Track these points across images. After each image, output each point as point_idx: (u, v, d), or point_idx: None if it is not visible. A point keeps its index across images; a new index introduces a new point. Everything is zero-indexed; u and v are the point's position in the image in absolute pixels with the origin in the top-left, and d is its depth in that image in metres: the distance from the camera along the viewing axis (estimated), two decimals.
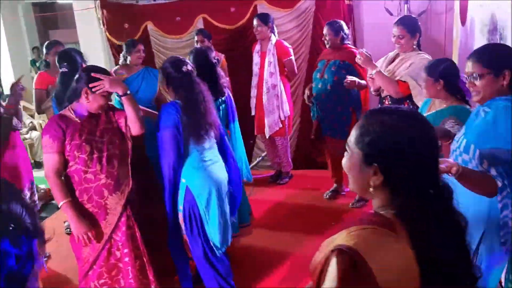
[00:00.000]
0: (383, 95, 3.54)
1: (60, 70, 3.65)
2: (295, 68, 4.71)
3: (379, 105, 3.58)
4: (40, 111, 4.16)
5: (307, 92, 4.24)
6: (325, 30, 4.14)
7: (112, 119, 2.63)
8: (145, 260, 2.62)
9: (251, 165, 5.47)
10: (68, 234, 4.21)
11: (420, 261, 1.03)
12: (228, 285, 2.84)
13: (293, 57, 4.65)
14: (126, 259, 2.59)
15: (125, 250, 2.59)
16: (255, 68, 4.67)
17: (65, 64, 3.57)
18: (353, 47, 4.25)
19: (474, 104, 2.18)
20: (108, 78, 2.50)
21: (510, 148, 1.81)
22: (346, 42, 4.15)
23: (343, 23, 4.18)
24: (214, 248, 2.78)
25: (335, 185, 4.45)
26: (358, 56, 3.38)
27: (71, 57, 3.62)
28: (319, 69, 4.22)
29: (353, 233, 1.06)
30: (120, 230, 2.58)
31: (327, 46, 4.16)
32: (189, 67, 2.80)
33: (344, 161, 1.19)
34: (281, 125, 4.68)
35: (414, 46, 3.40)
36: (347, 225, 1.11)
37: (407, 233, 1.05)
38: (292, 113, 4.86)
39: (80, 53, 3.78)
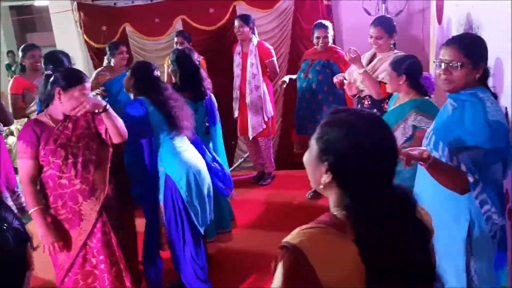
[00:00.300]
0: (362, 95, 3.56)
1: (45, 72, 3.56)
2: (277, 68, 4.72)
3: (359, 105, 3.60)
4: (16, 116, 4.07)
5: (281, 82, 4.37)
6: (317, 33, 4.13)
7: (91, 124, 2.58)
8: (121, 266, 2.57)
9: (233, 166, 5.47)
10: None
11: (365, 263, 1.03)
12: (205, 275, 2.92)
13: (275, 58, 4.66)
14: (102, 266, 2.54)
15: (101, 257, 2.54)
16: (237, 70, 4.65)
17: (51, 66, 3.46)
18: (338, 47, 4.27)
19: (441, 97, 2.17)
20: (87, 99, 2.46)
21: (478, 145, 1.81)
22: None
23: (329, 23, 4.22)
24: (197, 226, 2.87)
25: None
26: (347, 53, 3.36)
27: (57, 59, 3.54)
28: (303, 69, 4.24)
29: (301, 232, 1.07)
30: (95, 237, 2.53)
31: (318, 47, 4.16)
32: (157, 72, 2.95)
33: (305, 155, 1.20)
34: (264, 126, 4.68)
35: (391, 46, 3.43)
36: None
37: (354, 235, 1.05)
38: (274, 113, 4.86)
39: (67, 56, 3.69)
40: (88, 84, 2.52)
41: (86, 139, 2.55)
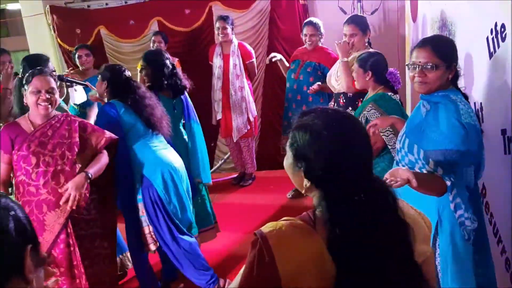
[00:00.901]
0: (335, 91, 3.58)
1: (18, 76, 3.46)
2: (256, 70, 4.72)
3: (334, 104, 3.61)
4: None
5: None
6: (305, 30, 4.08)
7: (72, 134, 2.50)
8: (82, 282, 2.48)
9: (214, 168, 5.43)
10: None
11: (334, 261, 1.04)
12: (204, 264, 2.94)
13: (254, 60, 4.65)
14: (62, 278, 2.45)
15: (62, 269, 2.44)
16: (218, 71, 4.60)
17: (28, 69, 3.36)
18: (329, 48, 4.14)
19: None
20: (72, 185, 2.40)
21: (454, 148, 1.80)
22: (321, 41, 4.15)
23: (320, 21, 4.14)
24: (180, 226, 2.88)
25: None
26: (338, 43, 3.38)
27: (36, 62, 3.27)
28: (293, 69, 4.17)
29: (275, 222, 1.10)
30: (58, 247, 2.43)
31: (308, 46, 4.10)
32: (128, 73, 2.93)
33: (284, 160, 1.19)
34: (249, 127, 4.67)
35: (366, 44, 3.45)
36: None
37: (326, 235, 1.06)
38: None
39: (46, 59, 3.46)
40: (47, 77, 2.45)
41: (63, 148, 2.47)
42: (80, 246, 2.50)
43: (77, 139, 2.51)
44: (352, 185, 1.07)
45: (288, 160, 1.16)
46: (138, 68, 4.58)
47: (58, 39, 5.37)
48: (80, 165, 2.50)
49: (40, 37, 5.50)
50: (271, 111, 5.27)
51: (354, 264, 1.03)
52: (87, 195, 2.49)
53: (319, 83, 3.90)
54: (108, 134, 2.61)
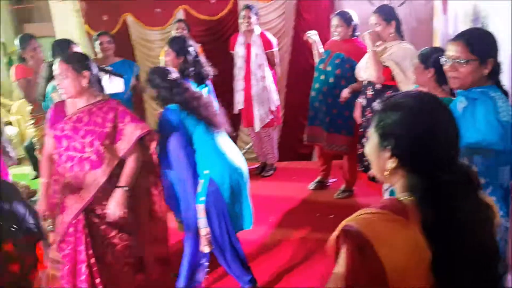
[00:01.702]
0: (364, 82, 3.56)
1: (48, 60, 3.52)
2: (276, 60, 4.69)
3: (362, 96, 3.59)
4: (31, 100, 4.01)
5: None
6: (335, 21, 3.98)
7: (106, 123, 2.53)
8: (83, 268, 2.56)
9: None
10: (50, 231, 4.14)
11: (432, 249, 1.03)
12: (249, 270, 2.93)
13: (276, 49, 4.62)
14: (67, 259, 2.59)
15: (67, 251, 2.57)
16: (240, 61, 4.60)
17: (57, 54, 3.40)
18: (362, 41, 3.98)
19: None
20: (114, 205, 2.52)
21: (490, 146, 1.78)
22: (356, 34, 4.00)
23: (353, 13, 4.02)
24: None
25: (320, 176, 4.46)
26: (367, 32, 3.36)
27: (63, 50, 3.37)
28: (323, 59, 4.07)
29: (360, 216, 1.07)
30: (73, 229, 2.55)
31: (337, 37, 4.01)
32: (174, 75, 2.83)
33: (366, 146, 1.20)
34: (271, 116, 4.66)
35: (392, 34, 3.41)
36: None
37: (420, 220, 1.04)
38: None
39: (73, 43, 3.60)
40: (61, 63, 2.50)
41: (93, 136, 2.51)
42: (93, 234, 2.57)
43: (109, 130, 2.52)
44: (441, 164, 1.07)
45: (371, 142, 1.16)
46: (161, 57, 4.64)
47: (86, 25, 5.42)
48: (108, 155, 2.53)
49: (67, 23, 5.55)
50: (295, 103, 5.25)
51: (452, 246, 1.03)
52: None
53: (349, 89, 3.85)
54: (145, 127, 2.60)
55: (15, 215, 0.76)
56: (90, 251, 2.56)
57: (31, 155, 5.17)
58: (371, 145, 1.17)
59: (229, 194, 2.75)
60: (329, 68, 4.01)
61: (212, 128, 2.76)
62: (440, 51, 2.59)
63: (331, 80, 3.99)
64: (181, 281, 2.85)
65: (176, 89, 2.75)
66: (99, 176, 2.52)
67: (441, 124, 1.10)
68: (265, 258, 3.33)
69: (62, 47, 3.45)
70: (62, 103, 2.61)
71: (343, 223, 1.08)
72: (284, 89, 5.33)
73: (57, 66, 2.48)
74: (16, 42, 4.10)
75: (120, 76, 3.58)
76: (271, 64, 4.66)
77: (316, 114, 4.16)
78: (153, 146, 2.71)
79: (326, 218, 3.88)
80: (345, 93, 3.87)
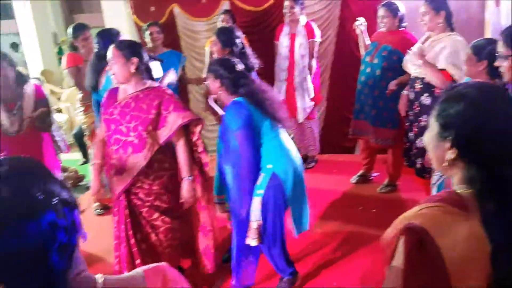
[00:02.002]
0: (412, 76, 3.48)
1: (95, 51, 3.63)
2: (315, 50, 4.58)
3: (410, 89, 3.51)
4: (81, 86, 4.15)
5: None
6: (381, 12, 3.91)
7: (151, 110, 2.61)
8: (121, 247, 2.71)
9: None
10: (98, 215, 4.29)
11: (493, 243, 1.01)
12: (291, 264, 2.94)
13: (317, 40, 4.56)
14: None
15: (121, 227, 2.72)
16: (284, 51, 4.58)
17: (102, 44, 3.51)
18: (410, 33, 3.92)
19: None
20: (186, 196, 2.70)
21: None
22: (403, 25, 3.92)
23: (400, 3, 3.92)
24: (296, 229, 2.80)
25: (362, 170, 4.41)
26: (412, 49, 3.30)
27: (109, 39, 3.43)
28: (370, 52, 4.00)
29: (420, 211, 1.06)
30: (116, 209, 2.74)
31: (383, 28, 3.95)
32: (240, 66, 2.76)
33: (425, 135, 1.19)
34: (312, 108, 4.65)
35: (440, 25, 3.31)
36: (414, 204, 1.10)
37: (480, 213, 1.03)
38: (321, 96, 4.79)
39: (119, 34, 3.70)
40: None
41: (138, 122, 2.60)
42: (136, 216, 2.71)
43: (153, 116, 2.60)
44: (502, 157, 1.05)
45: (431, 131, 1.15)
46: (206, 48, 4.69)
47: (134, 16, 5.54)
48: (149, 140, 2.62)
49: (116, 14, 5.69)
50: (338, 95, 5.19)
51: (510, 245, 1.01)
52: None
53: (396, 82, 3.78)
54: (188, 116, 2.65)
55: (52, 190, 0.83)
56: (130, 232, 2.68)
57: (80, 141, 5.36)
58: (431, 134, 1.16)
59: (292, 191, 2.69)
60: (375, 61, 3.93)
61: (277, 123, 2.69)
62: (493, 43, 2.50)
63: (377, 72, 3.91)
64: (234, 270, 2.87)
65: (242, 80, 2.69)
66: (140, 160, 2.62)
67: (503, 116, 1.07)
68: (305, 251, 3.33)
69: (105, 37, 3.56)
70: (115, 89, 2.72)
71: (401, 219, 1.07)
72: (328, 81, 5.28)
73: (110, 52, 2.60)
74: (69, 30, 4.22)
75: (160, 61, 3.64)
76: (310, 55, 4.58)
77: (362, 108, 4.11)
78: (197, 133, 2.75)
79: (369, 212, 3.85)
80: (392, 85, 3.80)
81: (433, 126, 1.15)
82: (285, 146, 2.72)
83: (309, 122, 4.73)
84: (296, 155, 2.78)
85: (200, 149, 2.80)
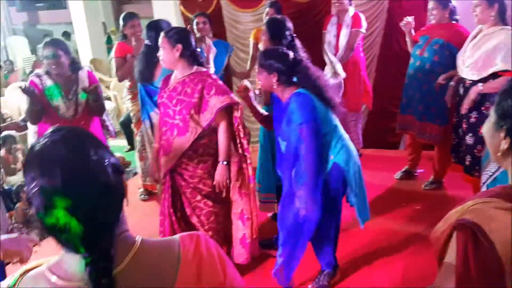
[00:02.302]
0: (461, 74, 3.39)
1: (145, 42, 3.70)
2: (355, 42, 4.37)
3: (460, 84, 3.40)
4: (121, 78, 4.26)
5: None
6: (430, 4, 3.79)
7: (195, 95, 2.69)
8: (166, 222, 2.91)
9: None
10: (142, 200, 4.41)
11: None
12: (335, 259, 2.94)
13: (361, 30, 4.36)
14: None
15: (165, 204, 2.93)
16: (333, 40, 4.44)
17: (151, 36, 3.56)
18: (462, 26, 3.78)
19: None
20: (218, 179, 2.79)
21: None
22: (454, 17, 3.79)
23: None
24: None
25: (407, 166, 4.32)
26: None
27: (158, 30, 3.37)
28: (420, 45, 3.87)
29: (473, 207, 1.05)
30: (164, 187, 2.93)
31: (433, 21, 3.83)
32: (291, 54, 2.64)
33: (484, 126, 1.19)
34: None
35: (492, 18, 3.18)
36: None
37: None
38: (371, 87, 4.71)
39: (169, 25, 3.72)
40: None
41: (182, 105, 2.72)
42: (180, 196, 2.90)
43: (196, 100, 2.69)
44: None
45: (489, 121, 1.16)
46: (251, 39, 4.69)
47: (181, 7, 5.61)
48: (192, 124, 2.71)
49: (164, 4, 5.78)
50: (384, 88, 5.09)
51: None
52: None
53: (446, 75, 3.65)
54: (227, 99, 2.70)
55: (103, 153, 0.91)
56: (171, 210, 2.87)
57: (126, 129, 5.51)
58: (488, 124, 1.16)
59: (353, 182, 2.63)
60: (426, 54, 3.81)
61: (335, 112, 2.61)
62: None
63: (427, 66, 3.80)
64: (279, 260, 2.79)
65: (298, 69, 2.58)
66: (184, 142, 2.75)
67: None
68: (347, 245, 3.29)
69: (155, 29, 3.61)
70: (170, 75, 2.86)
71: (453, 214, 1.06)
72: (373, 73, 5.18)
73: (160, 38, 2.74)
74: (121, 19, 4.32)
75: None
76: (349, 44, 4.36)
77: (409, 102, 4.01)
78: (237, 118, 2.80)
79: (412, 209, 3.77)
80: (442, 79, 3.68)
81: (491, 116, 1.15)
82: (344, 136, 2.66)
83: (353, 115, 4.65)
84: (353, 146, 2.72)
85: (241, 134, 2.84)
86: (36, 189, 0.84)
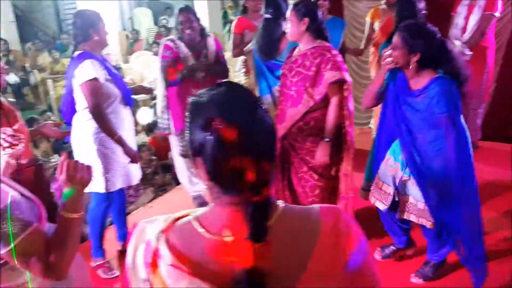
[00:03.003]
0: None
1: (265, 16, 3.75)
2: (487, 27, 4.03)
3: None
4: (235, 54, 4.38)
5: None
6: None
7: (311, 68, 2.76)
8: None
9: None
10: None
11: None
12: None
13: (495, 14, 4.02)
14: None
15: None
16: (462, 22, 4.17)
17: (271, 10, 3.59)
18: None
19: None
20: (319, 155, 2.82)
21: None
22: None
23: None
24: None
25: None
26: None
27: (277, 4, 3.57)
28: None
29: None
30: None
31: None
32: (438, 33, 2.38)
33: None
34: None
35: None
36: None
37: None
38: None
39: (285, 0, 3.74)
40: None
41: (299, 77, 2.79)
42: (289, 164, 2.95)
43: (312, 74, 2.74)
44: None
45: None
46: (367, 19, 4.55)
47: None
48: (305, 96, 2.76)
49: None
50: (510, 78, 4.68)
51: None
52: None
53: None
54: (338, 75, 2.69)
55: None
56: (279, 176, 2.97)
57: None
58: None
59: None
60: None
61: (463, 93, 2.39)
62: None
63: None
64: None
65: (442, 50, 2.36)
66: (295, 114, 2.81)
67: None
68: None
69: (271, 1, 3.63)
70: (295, 47, 2.92)
71: None
72: (500, 61, 4.77)
73: (288, 11, 2.82)
74: None
75: None
76: (480, 29, 4.06)
77: None
78: (344, 96, 2.77)
79: None
80: None
81: None
82: None
83: (476, 103, 4.35)
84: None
85: (345, 112, 2.81)
86: (209, 133, 0.87)
